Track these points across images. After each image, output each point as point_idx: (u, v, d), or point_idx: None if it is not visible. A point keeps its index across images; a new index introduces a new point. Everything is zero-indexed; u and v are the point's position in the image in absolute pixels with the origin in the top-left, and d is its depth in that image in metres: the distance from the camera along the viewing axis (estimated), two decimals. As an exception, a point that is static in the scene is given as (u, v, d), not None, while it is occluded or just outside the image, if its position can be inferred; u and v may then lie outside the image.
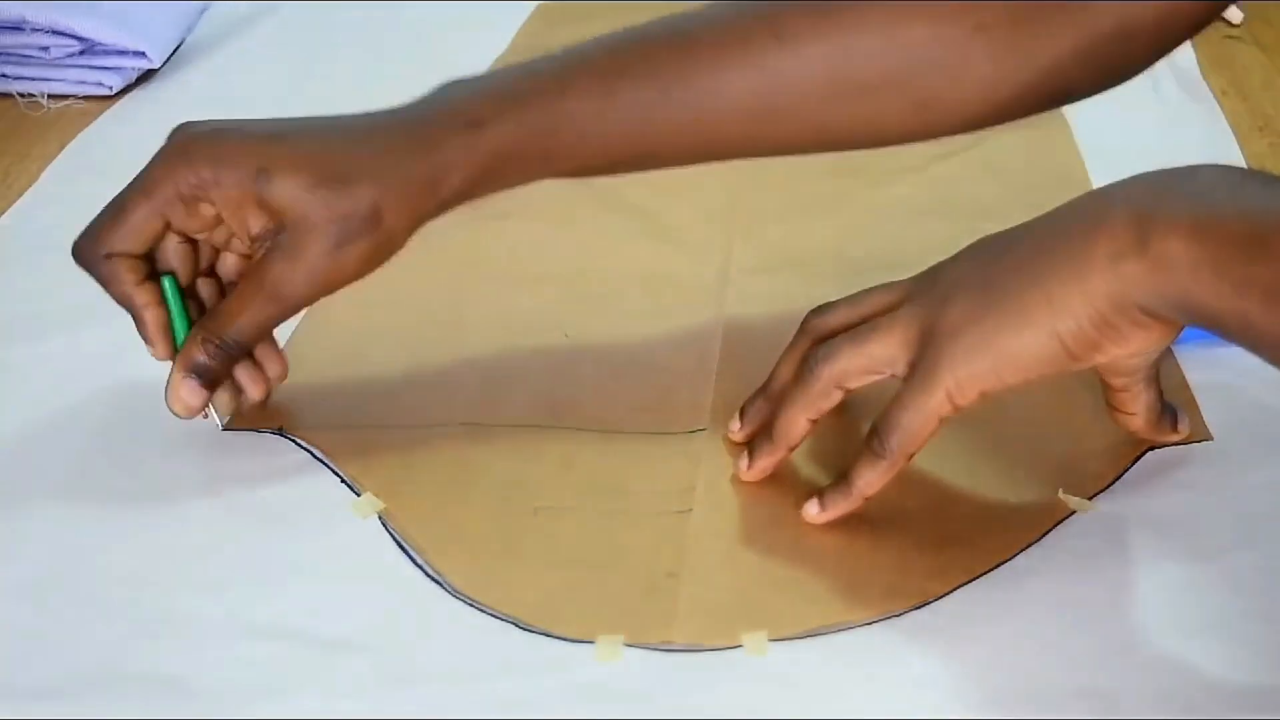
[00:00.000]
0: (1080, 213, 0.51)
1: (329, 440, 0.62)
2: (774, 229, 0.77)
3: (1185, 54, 0.93)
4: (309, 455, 0.61)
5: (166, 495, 0.60)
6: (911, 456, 0.53)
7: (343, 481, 0.60)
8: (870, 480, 0.54)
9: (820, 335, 0.57)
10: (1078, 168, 0.81)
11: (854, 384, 0.55)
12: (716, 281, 0.72)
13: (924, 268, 0.57)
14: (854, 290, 0.63)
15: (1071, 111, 0.86)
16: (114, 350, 0.69)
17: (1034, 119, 0.84)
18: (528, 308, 0.71)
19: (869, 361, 0.54)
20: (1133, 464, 0.58)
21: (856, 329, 0.55)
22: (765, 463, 0.57)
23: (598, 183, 0.79)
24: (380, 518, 0.58)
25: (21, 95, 0.96)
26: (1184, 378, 0.63)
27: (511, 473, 0.60)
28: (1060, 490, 0.57)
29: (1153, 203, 0.49)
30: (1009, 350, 0.51)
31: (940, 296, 0.53)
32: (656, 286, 0.72)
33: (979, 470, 0.58)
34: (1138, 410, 0.57)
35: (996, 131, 0.83)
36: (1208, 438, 0.60)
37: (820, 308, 0.59)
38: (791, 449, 0.57)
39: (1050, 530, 0.55)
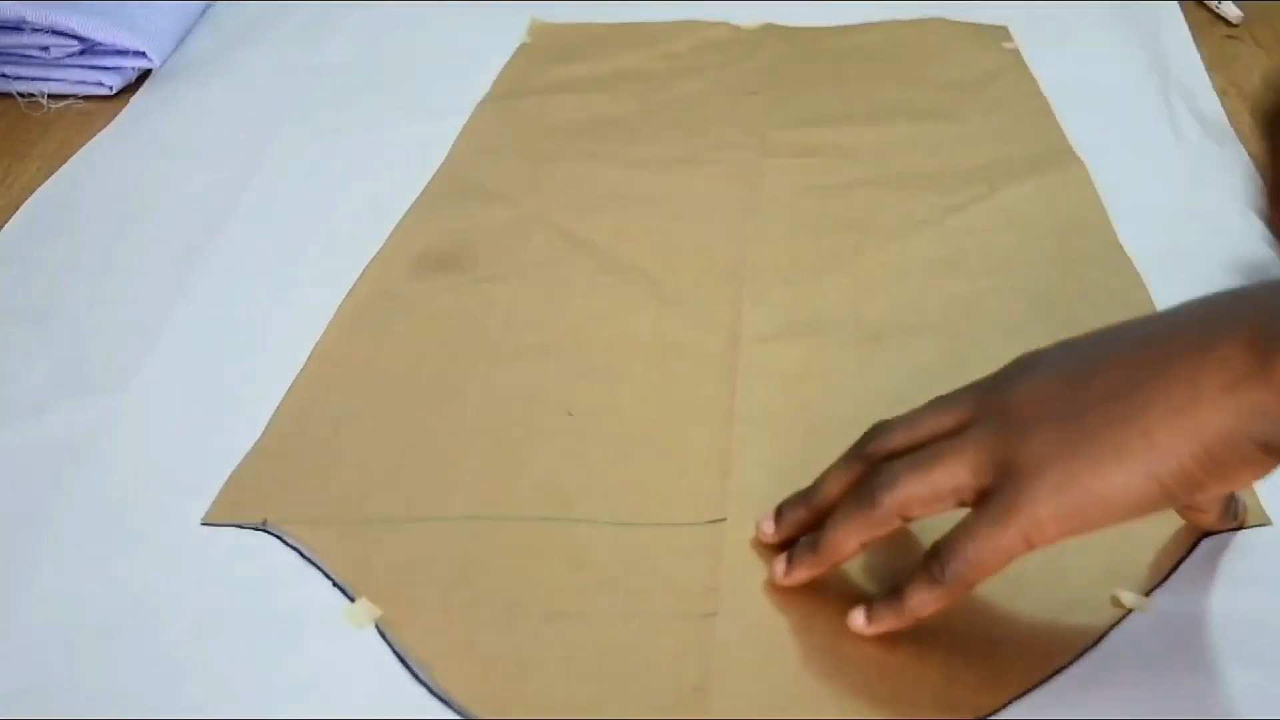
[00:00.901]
0: (1185, 333, 0.46)
1: (319, 536, 0.57)
2: (784, 290, 0.72)
3: (1207, 95, 0.88)
4: (297, 554, 0.56)
5: (136, 604, 0.54)
6: (972, 587, 0.49)
7: (335, 585, 0.55)
8: (924, 602, 0.49)
9: (877, 458, 0.52)
10: (1098, 215, 0.76)
11: (917, 514, 0.50)
12: (727, 350, 0.67)
13: (945, 330, 0.53)
14: (873, 359, 0.58)
15: (1090, 156, 0.82)
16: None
17: (1051, 164, 0.81)
18: (527, 383, 0.66)
19: (933, 491, 0.49)
20: (1188, 554, 0.54)
21: (919, 454, 0.50)
22: (804, 575, 0.53)
23: (595, 241, 0.76)
24: (378, 627, 0.53)
25: (21, 95, 0.94)
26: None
27: (519, 572, 0.55)
28: (1114, 587, 0.53)
29: (1270, 320, 0.44)
30: (1099, 492, 0.46)
31: (1017, 424, 0.48)
32: (664, 356, 0.67)
33: (1023, 567, 0.54)
34: (1211, 509, 0.53)
35: (1011, 180, 0.80)
36: (1265, 522, 0.56)
37: (876, 428, 0.53)
38: (835, 566, 0.52)
39: (1108, 633, 0.51)
